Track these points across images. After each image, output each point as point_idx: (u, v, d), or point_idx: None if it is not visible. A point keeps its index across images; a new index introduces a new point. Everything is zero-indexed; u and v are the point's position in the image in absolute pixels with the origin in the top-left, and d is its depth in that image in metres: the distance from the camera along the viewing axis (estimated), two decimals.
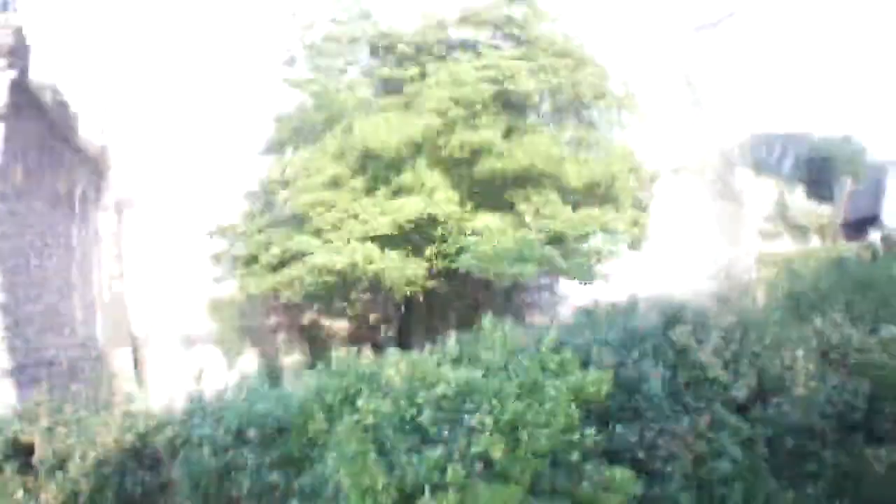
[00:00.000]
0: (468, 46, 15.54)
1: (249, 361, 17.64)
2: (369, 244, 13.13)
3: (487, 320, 5.23)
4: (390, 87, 15.56)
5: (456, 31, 16.09)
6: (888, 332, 6.62)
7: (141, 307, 18.94)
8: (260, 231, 15.56)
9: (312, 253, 13.35)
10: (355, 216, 13.68)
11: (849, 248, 31.62)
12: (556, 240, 13.89)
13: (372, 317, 16.44)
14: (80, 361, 15.34)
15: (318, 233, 13.83)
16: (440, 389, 4.60)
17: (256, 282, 14.72)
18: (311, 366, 16.86)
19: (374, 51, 16.18)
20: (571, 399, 4.56)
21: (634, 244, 15.52)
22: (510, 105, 14.81)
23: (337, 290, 14.23)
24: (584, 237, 14.51)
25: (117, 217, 18.74)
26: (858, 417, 6.10)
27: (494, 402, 4.37)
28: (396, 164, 13.96)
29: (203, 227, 17.78)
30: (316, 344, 17.70)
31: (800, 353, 6.23)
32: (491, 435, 4.22)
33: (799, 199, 37.99)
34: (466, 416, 4.44)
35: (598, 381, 4.75)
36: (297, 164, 14.76)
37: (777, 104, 50.91)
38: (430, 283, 13.97)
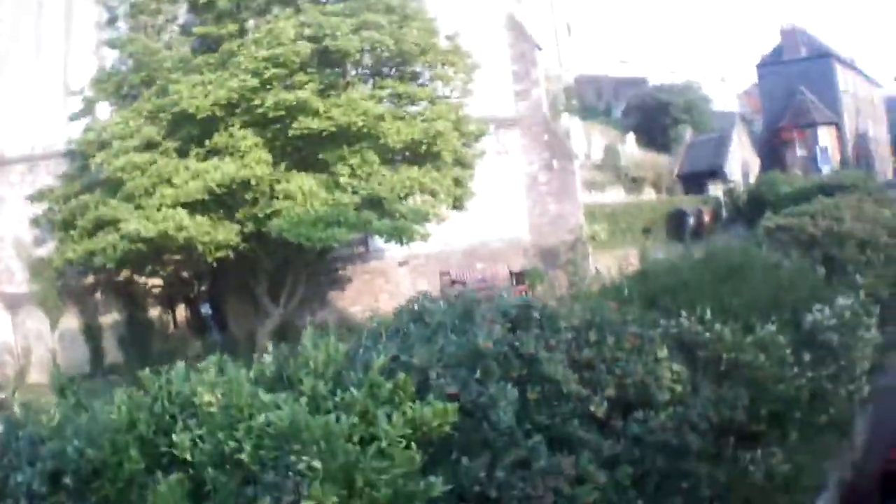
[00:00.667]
0: (289, 1, 15.00)
1: (69, 321, 17.55)
2: (180, 210, 12.86)
3: (309, 336, 4.63)
4: (208, 44, 15.06)
5: None
6: (765, 330, 6.26)
7: None
8: (76, 195, 15.19)
9: (124, 220, 13.06)
10: (168, 180, 13.30)
11: (684, 201, 31.65)
12: (374, 202, 13.68)
13: (185, 274, 16.50)
14: None
15: (130, 197, 13.46)
16: (260, 421, 3.99)
17: (72, 247, 14.47)
18: (128, 323, 17.09)
19: (193, 7, 15.58)
20: (411, 435, 4.01)
21: (456, 204, 15.46)
22: (329, 62, 14.35)
23: (150, 255, 14.12)
24: (404, 198, 14.31)
25: None
26: (735, 427, 5.73)
27: (323, 444, 3.84)
28: (210, 126, 13.56)
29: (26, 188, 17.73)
30: (133, 301, 17.59)
31: (663, 355, 5.58)
32: (322, 483, 3.70)
33: (631, 148, 36.87)
34: (293, 457, 3.89)
35: (441, 414, 4.18)
36: (113, 126, 14.22)
37: (609, 49, 50.23)
38: (242, 246, 13.87)
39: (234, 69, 13.55)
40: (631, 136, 37.28)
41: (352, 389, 4.30)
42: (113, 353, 17.28)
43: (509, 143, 20.81)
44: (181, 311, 18.00)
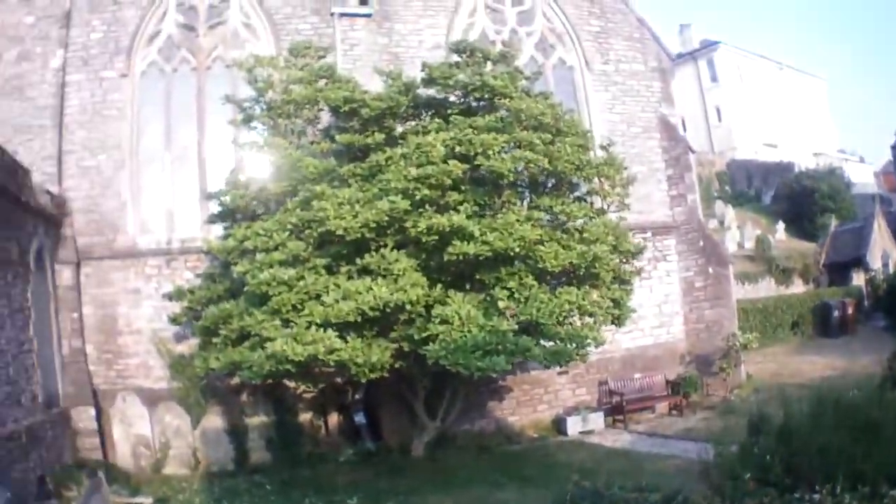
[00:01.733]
0: (436, 107, 14.97)
1: (212, 420, 17.26)
2: (330, 332, 12.25)
3: None
4: (353, 152, 14.62)
5: (425, 91, 15.36)
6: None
7: (102, 363, 18.36)
8: (217, 299, 14.97)
9: (272, 339, 12.50)
10: (317, 297, 12.77)
11: (829, 293, 32.54)
12: (531, 326, 13.07)
13: (339, 380, 15.63)
14: (41, 427, 14.96)
15: (276, 312, 13.00)
16: None
17: (215, 356, 14.15)
18: (276, 426, 16.67)
19: (335, 111, 15.24)
20: None
21: (615, 322, 15.01)
22: (481, 181, 13.91)
23: (298, 374, 13.44)
24: (562, 322, 13.63)
25: (75, 269, 18.04)
26: None
27: None
28: (359, 245, 13.08)
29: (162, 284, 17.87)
30: (281, 405, 17.22)
31: None
32: None
33: (780, 236, 38.54)
34: None
35: None
36: (255, 238, 13.92)
37: (756, 131, 53.16)
38: (397, 365, 13.42)
39: (382, 186, 13.07)
40: (781, 226, 38.95)
41: None
42: (259, 453, 17.01)
43: (665, 249, 21.11)
44: (333, 418, 17.61)
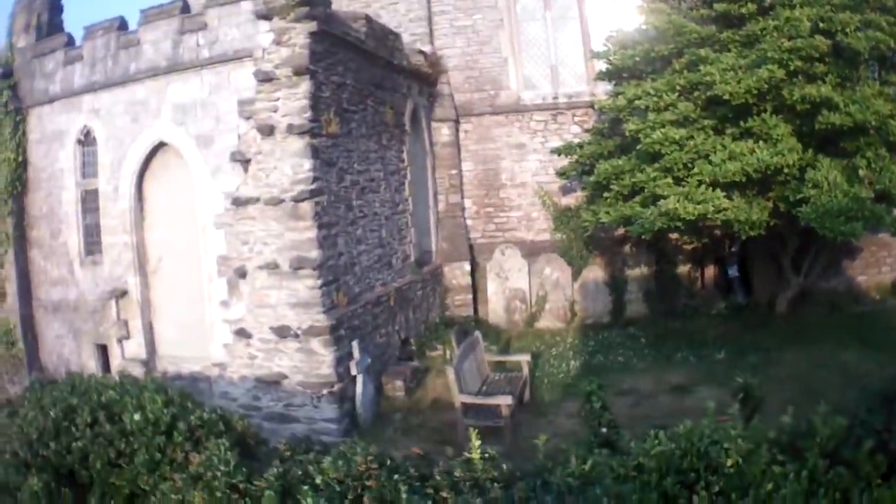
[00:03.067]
0: None
1: (593, 272, 17.87)
2: (718, 192, 13.16)
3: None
4: (727, 21, 15.18)
5: None
6: None
7: (480, 217, 19.56)
8: (609, 154, 15.83)
9: (665, 196, 13.46)
10: (705, 157, 13.58)
11: None
12: (884, 194, 13.40)
13: (717, 233, 16.34)
14: (409, 288, 16.45)
15: (667, 170, 13.92)
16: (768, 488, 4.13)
17: (605, 210, 15.02)
18: (655, 277, 17.55)
19: None
20: None
21: None
22: (841, 58, 14.15)
23: (684, 230, 14.32)
24: None
25: (454, 126, 19.17)
26: None
27: None
28: (742, 109, 13.76)
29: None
30: (662, 256, 17.71)
31: None
32: None
33: None
34: None
35: None
36: (646, 98, 14.66)
37: None
38: (771, 223, 13.96)
39: (758, 55, 13.72)
40: None
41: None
42: (635, 305, 17.75)
43: None
44: (709, 271, 18.16)
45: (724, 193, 13.30)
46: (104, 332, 15.08)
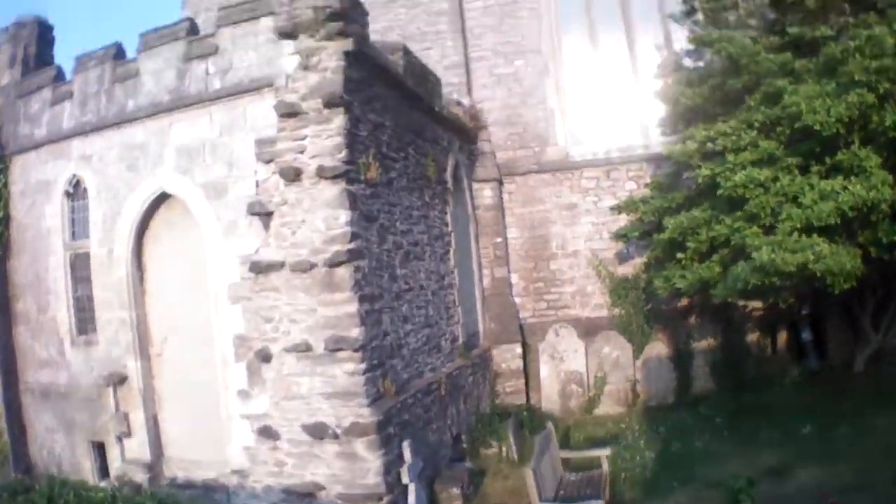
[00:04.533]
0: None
1: (656, 348, 16.10)
2: (816, 237, 11.21)
3: None
4: (798, 46, 13.42)
5: None
6: None
7: (529, 293, 17.55)
8: (678, 207, 13.88)
9: (757, 248, 11.40)
10: (794, 200, 11.72)
11: None
12: None
13: (788, 295, 14.05)
14: (460, 374, 14.19)
15: (751, 218, 12.05)
16: None
17: (679, 273, 13.13)
18: (722, 349, 15.29)
19: (776, 4, 13.96)
20: None
21: None
22: None
23: (776, 287, 12.04)
24: None
25: (497, 188, 17.22)
26: None
27: None
28: (830, 142, 11.98)
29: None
30: (729, 325, 16.01)
31: None
32: None
33: None
34: None
35: None
36: (723, 138, 12.81)
37: None
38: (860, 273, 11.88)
39: (841, 80, 11.89)
40: None
41: None
42: (701, 381, 15.98)
43: None
44: (781, 336, 16.32)
45: (823, 238, 11.40)
46: (101, 427, 12.42)
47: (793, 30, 13.39)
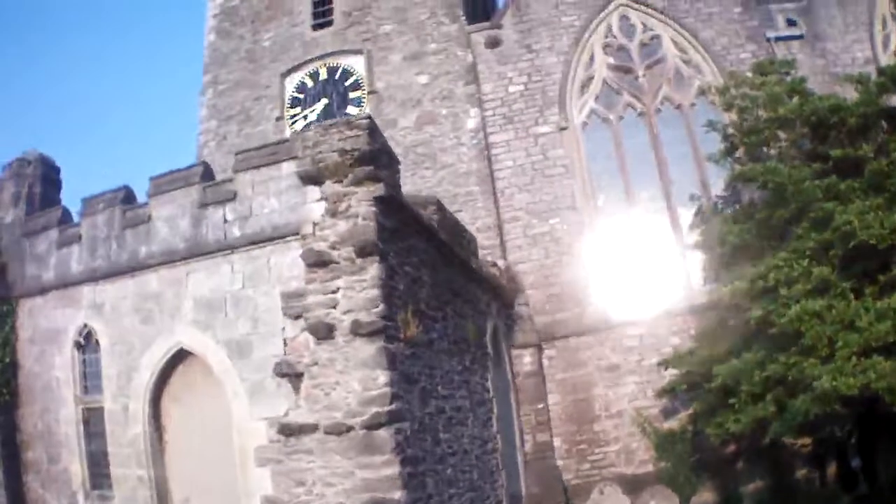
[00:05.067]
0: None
1: (703, 497, 15.41)
2: (877, 358, 10.58)
3: None
4: (841, 169, 12.90)
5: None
6: None
7: (573, 455, 16.85)
8: (727, 354, 13.15)
9: (817, 377, 10.80)
10: (851, 325, 11.11)
11: None
12: None
13: (836, 429, 13.81)
14: None
15: (808, 351, 11.33)
16: None
17: (734, 419, 12.37)
18: (771, 489, 13.92)
19: (815, 128, 13.61)
20: None
21: None
22: None
23: (835, 415, 11.55)
24: None
25: (536, 353, 16.73)
26: None
27: None
28: (882, 258, 11.66)
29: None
30: (777, 465, 15.21)
31: None
32: None
33: None
34: None
35: None
36: (775, 272, 12.22)
37: None
38: None
39: (890, 191, 11.73)
40: None
41: None
42: None
43: None
44: (830, 469, 15.51)
45: (883, 358, 10.76)
46: None
47: (835, 152, 12.98)
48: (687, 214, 16.84)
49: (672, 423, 16.10)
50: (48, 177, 14.46)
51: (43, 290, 12.77)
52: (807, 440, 14.64)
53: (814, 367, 11.12)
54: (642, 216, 17.52)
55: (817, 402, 10.82)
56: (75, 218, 12.76)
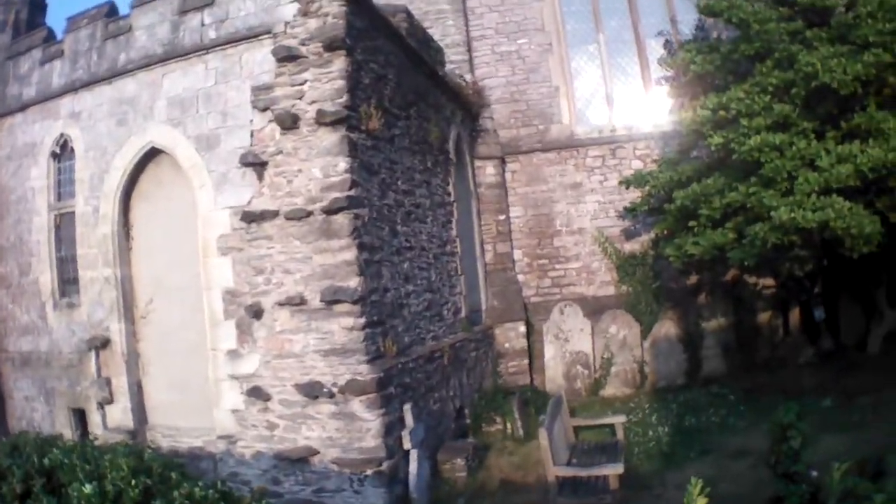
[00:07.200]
0: None
1: (665, 328, 15.50)
2: (836, 197, 10.97)
3: None
4: (808, 17, 13.14)
5: None
6: None
7: (533, 270, 17.04)
8: (688, 179, 13.61)
9: (775, 208, 11.20)
10: (811, 163, 11.52)
11: None
12: None
13: (799, 273, 13.75)
14: (463, 347, 13.54)
15: (768, 182, 11.78)
16: None
17: (693, 241, 12.77)
18: (734, 328, 13.18)
19: None
20: None
21: None
22: None
23: (790, 250, 11.88)
24: None
25: (499, 166, 16.87)
26: None
27: None
28: (845, 104, 11.96)
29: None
30: (740, 304, 15.52)
31: None
32: None
33: None
34: None
35: None
36: (736, 103, 12.50)
37: None
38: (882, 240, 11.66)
39: (855, 43, 11.78)
40: None
41: None
42: (712, 362, 15.39)
43: None
44: (793, 316, 15.69)
45: (843, 198, 11.14)
46: (81, 394, 11.83)
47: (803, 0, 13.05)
48: (656, 46, 16.94)
49: (634, 246, 16.39)
50: (35, 1, 14.59)
51: (24, 107, 13.00)
52: (770, 282, 15.02)
53: (773, 198, 11.49)
54: (610, 45, 17.61)
55: (776, 230, 11.22)
56: (60, 37, 12.93)
